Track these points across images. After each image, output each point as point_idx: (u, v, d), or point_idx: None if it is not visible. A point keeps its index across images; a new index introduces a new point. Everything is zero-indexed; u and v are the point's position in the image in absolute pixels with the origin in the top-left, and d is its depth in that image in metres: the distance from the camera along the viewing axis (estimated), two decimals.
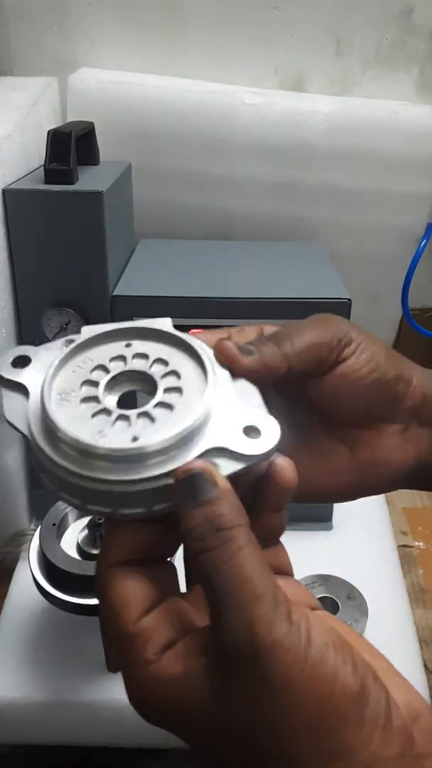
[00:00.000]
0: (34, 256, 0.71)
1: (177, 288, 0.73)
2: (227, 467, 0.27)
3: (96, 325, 0.32)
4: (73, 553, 0.63)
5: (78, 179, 0.70)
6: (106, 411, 0.28)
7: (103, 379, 0.30)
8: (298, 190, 0.92)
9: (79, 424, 0.27)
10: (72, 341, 0.31)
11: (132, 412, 0.28)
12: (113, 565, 0.28)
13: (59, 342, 0.32)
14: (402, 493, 0.98)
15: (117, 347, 0.32)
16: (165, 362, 0.31)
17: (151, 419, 0.28)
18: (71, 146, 0.69)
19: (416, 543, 0.89)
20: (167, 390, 0.29)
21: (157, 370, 0.31)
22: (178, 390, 0.29)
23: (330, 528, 0.85)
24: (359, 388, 0.34)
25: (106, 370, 0.31)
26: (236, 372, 0.31)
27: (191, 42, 0.91)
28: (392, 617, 0.73)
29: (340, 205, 0.93)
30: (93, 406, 0.29)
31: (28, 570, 0.63)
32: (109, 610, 0.27)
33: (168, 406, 0.29)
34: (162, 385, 0.30)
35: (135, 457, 0.26)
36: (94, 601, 0.59)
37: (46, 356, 0.31)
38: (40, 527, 0.64)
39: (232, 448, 0.27)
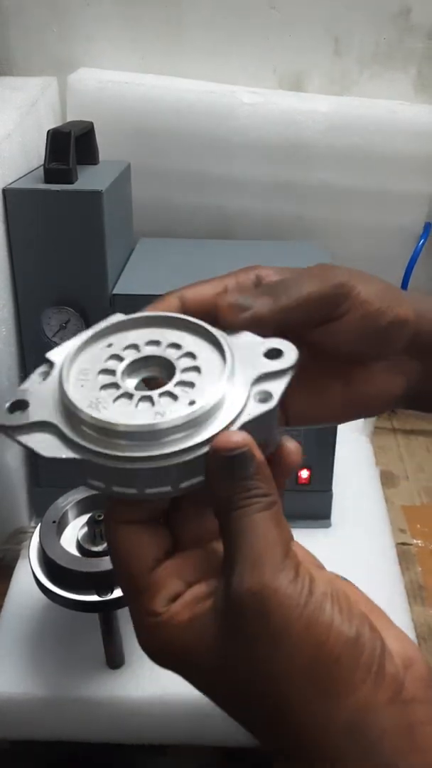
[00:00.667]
0: (34, 255, 0.71)
1: (176, 287, 0.74)
2: (278, 388, 0.29)
3: (66, 342, 0.32)
4: (73, 551, 0.63)
5: (77, 179, 0.70)
6: (147, 398, 0.29)
7: (117, 378, 0.30)
8: (296, 189, 0.92)
9: (133, 418, 0.28)
10: (47, 372, 0.31)
11: (171, 387, 0.29)
12: (122, 523, 0.29)
13: (35, 375, 0.31)
14: (401, 492, 0.98)
15: (103, 349, 0.32)
16: (157, 342, 0.32)
17: (191, 385, 0.29)
18: (71, 146, 0.69)
19: (414, 541, 0.89)
20: (184, 355, 0.31)
21: (151, 350, 0.31)
22: (191, 355, 0.31)
23: (328, 526, 0.85)
24: (353, 339, 0.35)
25: (111, 372, 0.30)
26: (233, 328, 0.32)
27: (190, 42, 0.91)
28: (390, 614, 0.72)
29: (338, 205, 0.93)
30: (129, 401, 0.29)
31: (29, 567, 0.63)
32: (119, 564, 0.29)
33: (196, 368, 0.30)
34: (178, 361, 0.30)
35: (207, 415, 0.28)
36: (95, 598, 0.60)
37: (37, 390, 0.30)
38: (40, 525, 0.65)
39: (270, 370, 0.29)
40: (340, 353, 0.36)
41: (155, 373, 0.31)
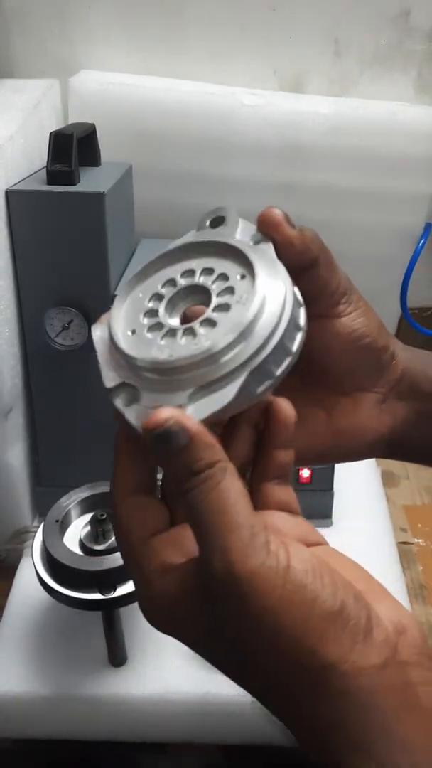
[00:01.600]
0: (36, 256, 0.71)
1: None
2: (249, 228, 0.34)
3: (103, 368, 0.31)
4: (76, 549, 0.64)
5: (79, 180, 0.71)
6: (206, 322, 0.30)
7: (177, 329, 0.30)
8: (297, 190, 0.93)
9: (236, 328, 0.28)
10: (124, 394, 0.30)
11: (221, 301, 0.30)
12: (124, 492, 0.29)
13: (121, 405, 0.29)
14: (402, 491, 0.98)
15: (135, 336, 0.31)
16: (159, 296, 0.32)
17: (226, 278, 0.31)
18: (73, 148, 0.69)
19: (416, 540, 0.90)
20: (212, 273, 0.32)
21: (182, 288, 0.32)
22: (218, 276, 0.32)
23: (329, 524, 0.85)
24: (350, 349, 0.36)
25: (170, 331, 0.30)
26: (275, 241, 0.34)
27: (191, 44, 0.91)
28: None
29: (338, 206, 0.94)
30: (208, 327, 0.29)
31: (32, 566, 0.64)
32: (120, 534, 0.29)
33: (230, 290, 0.31)
34: (213, 287, 0.31)
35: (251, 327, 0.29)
36: (97, 596, 0.60)
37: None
38: (43, 524, 0.65)
39: (233, 242, 0.33)
40: (334, 369, 0.36)
41: (191, 304, 0.32)
